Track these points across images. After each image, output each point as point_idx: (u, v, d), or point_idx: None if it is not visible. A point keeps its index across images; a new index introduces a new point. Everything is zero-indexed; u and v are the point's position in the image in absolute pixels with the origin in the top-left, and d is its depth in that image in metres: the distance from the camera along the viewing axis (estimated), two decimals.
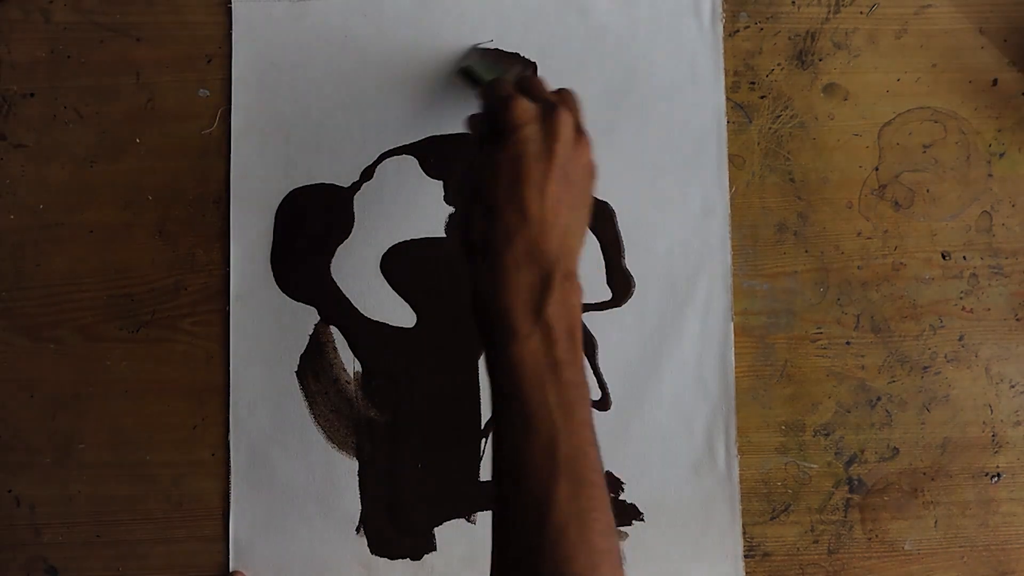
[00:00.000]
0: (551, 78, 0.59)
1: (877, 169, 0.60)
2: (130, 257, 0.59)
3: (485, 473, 0.58)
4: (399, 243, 0.59)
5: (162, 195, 0.59)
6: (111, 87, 0.59)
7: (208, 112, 0.59)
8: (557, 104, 0.44)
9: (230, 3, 0.59)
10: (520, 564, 0.39)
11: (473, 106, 0.51)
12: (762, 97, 0.60)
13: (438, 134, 0.59)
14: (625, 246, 0.59)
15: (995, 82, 0.61)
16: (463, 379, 0.58)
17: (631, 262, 0.59)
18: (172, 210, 0.59)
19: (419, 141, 0.59)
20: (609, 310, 0.58)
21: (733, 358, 0.58)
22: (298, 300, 0.58)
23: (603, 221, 0.59)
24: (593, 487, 0.40)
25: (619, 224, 0.59)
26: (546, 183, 0.42)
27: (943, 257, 0.60)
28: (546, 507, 0.38)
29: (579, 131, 0.45)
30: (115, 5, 0.59)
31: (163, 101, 0.59)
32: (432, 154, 0.59)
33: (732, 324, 0.59)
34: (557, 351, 0.41)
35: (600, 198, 0.59)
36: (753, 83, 0.60)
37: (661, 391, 0.58)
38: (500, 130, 0.43)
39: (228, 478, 0.58)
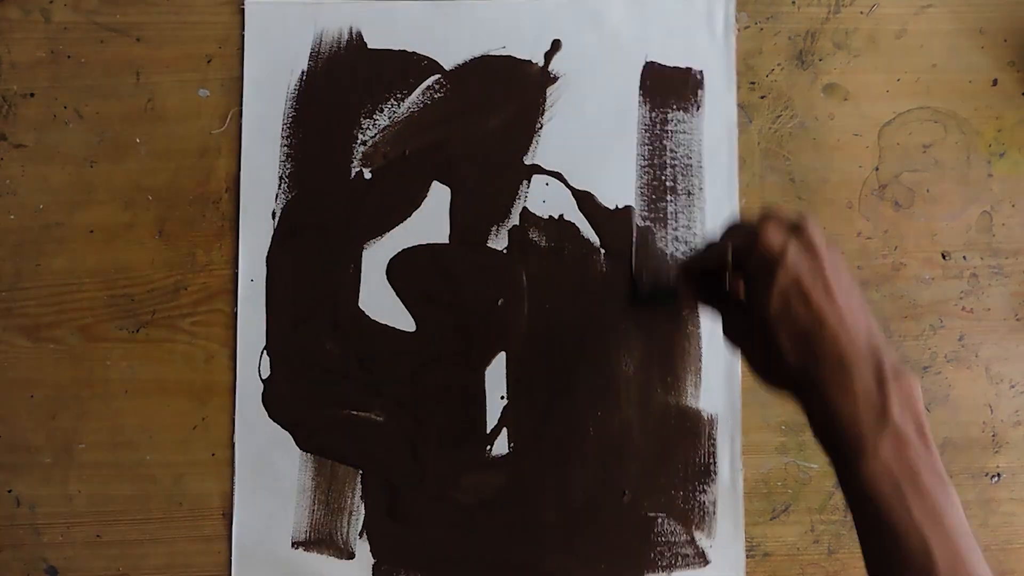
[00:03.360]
0: (562, 84, 0.59)
1: (877, 169, 0.60)
2: (130, 257, 0.59)
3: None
4: (405, 249, 0.59)
5: (162, 195, 0.59)
6: (111, 87, 0.59)
7: (209, 112, 0.59)
8: (799, 219, 0.44)
9: (242, 4, 0.59)
10: None
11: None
12: (762, 97, 0.60)
13: (448, 137, 0.59)
14: (638, 253, 0.59)
15: (995, 82, 0.61)
16: (467, 385, 0.58)
17: (643, 270, 0.59)
18: (172, 210, 0.59)
19: (430, 144, 0.59)
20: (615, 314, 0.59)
21: (740, 371, 0.58)
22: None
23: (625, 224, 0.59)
24: None
25: (633, 230, 0.59)
26: (829, 291, 0.42)
27: (943, 257, 0.60)
28: None
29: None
30: (115, 5, 0.59)
31: (163, 101, 0.59)
32: (442, 158, 0.59)
33: None
34: (911, 454, 0.39)
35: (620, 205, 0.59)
36: (753, 83, 0.60)
37: (666, 400, 0.58)
38: (760, 265, 0.43)
39: (231, 478, 0.58)
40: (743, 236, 0.44)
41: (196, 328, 0.58)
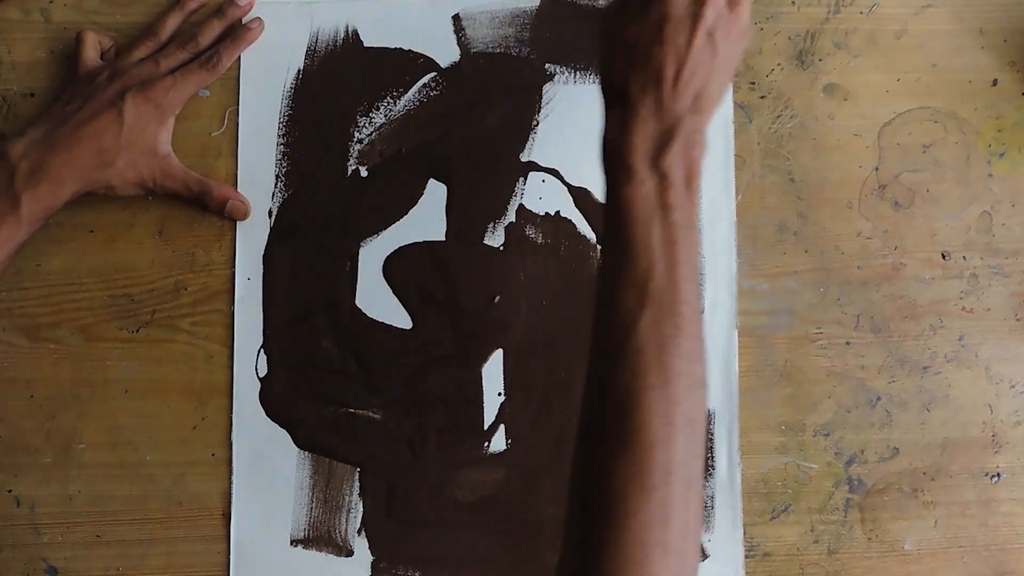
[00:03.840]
0: (556, 82, 0.59)
1: (877, 169, 0.60)
2: (130, 257, 0.59)
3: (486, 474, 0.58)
4: (402, 246, 0.59)
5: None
6: None
7: (208, 112, 0.59)
8: None
9: None
10: (600, 384, 0.42)
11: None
12: (762, 97, 0.60)
13: (445, 135, 0.59)
14: None
15: (995, 82, 0.61)
16: (464, 382, 0.58)
17: None
18: (172, 210, 0.59)
19: (427, 142, 0.59)
20: None
21: (737, 366, 0.58)
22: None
23: None
24: (680, 316, 0.42)
25: None
26: (687, 48, 0.44)
27: (943, 257, 0.60)
28: (630, 331, 0.41)
29: None
30: (115, 5, 0.59)
31: None
32: (438, 155, 0.59)
33: (736, 331, 0.59)
34: (669, 196, 0.43)
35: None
36: (753, 83, 0.60)
37: None
38: None
39: (230, 478, 0.58)
40: None
41: (196, 328, 0.58)
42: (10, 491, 0.58)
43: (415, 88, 0.59)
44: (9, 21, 0.59)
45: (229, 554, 0.57)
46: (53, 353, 0.58)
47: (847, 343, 0.59)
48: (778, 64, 0.60)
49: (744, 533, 0.58)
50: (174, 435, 0.58)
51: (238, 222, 0.58)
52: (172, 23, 0.58)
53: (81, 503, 0.58)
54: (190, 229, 0.59)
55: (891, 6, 0.61)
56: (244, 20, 0.59)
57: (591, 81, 0.59)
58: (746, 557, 0.58)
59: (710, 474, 0.58)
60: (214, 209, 0.57)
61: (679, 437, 0.40)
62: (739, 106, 0.60)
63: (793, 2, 0.61)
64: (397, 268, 0.59)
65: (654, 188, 0.43)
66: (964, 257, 0.60)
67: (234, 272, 0.58)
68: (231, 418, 0.58)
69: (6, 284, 0.58)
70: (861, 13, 0.61)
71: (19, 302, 0.58)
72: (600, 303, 0.44)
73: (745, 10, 0.47)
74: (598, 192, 0.59)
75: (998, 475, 0.59)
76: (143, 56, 0.57)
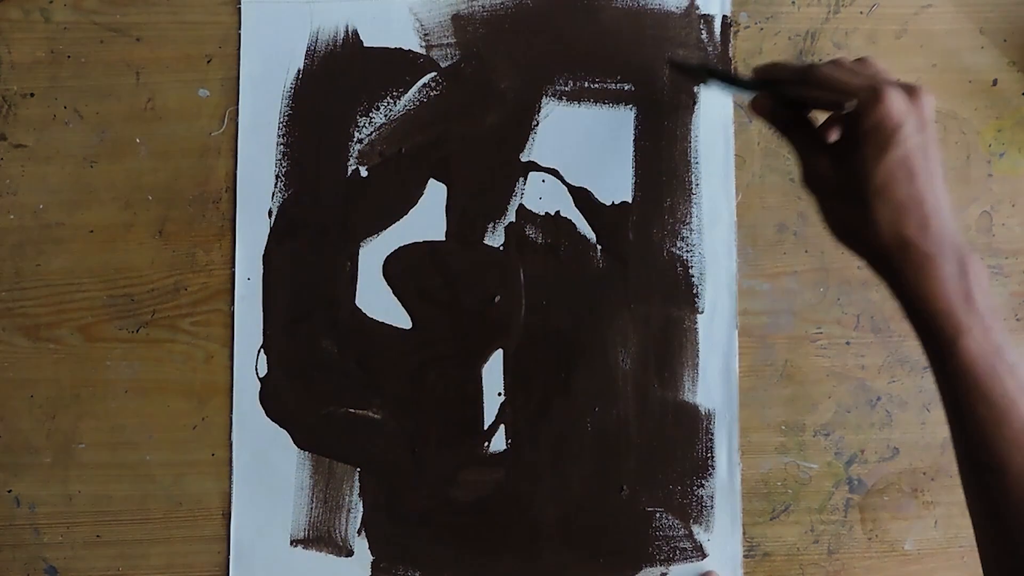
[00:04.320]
0: (556, 83, 0.59)
1: None
2: (130, 257, 0.59)
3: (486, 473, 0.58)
4: (402, 246, 0.59)
5: (162, 195, 0.59)
6: (111, 87, 0.59)
7: (208, 112, 0.59)
8: (915, 84, 0.45)
9: (239, 3, 0.59)
10: (1013, 565, 0.40)
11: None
12: None
13: (445, 135, 0.59)
14: (632, 250, 0.59)
15: (995, 82, 0.61)
16: (464, 382, 0.58)
17: (640, 266, 0.59)
18: (172, 210, 0.59)
19: (427, 142, 0.59)
20: (617, 313, 0.59)
21: (737, 366, 0.58)
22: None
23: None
24: None
25: (629, 226, 0.59)
26: (934, 176, 0.43)
27: None
28: None
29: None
30: (115, 5, 0.59)
31: (163, 101, 0.59)
32: (438, 155, 0.59)
33: (737, 332, 0.59)
34: (994, 336, 0.41)
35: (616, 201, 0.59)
36: None
37: (664, 396, 0.58)
38: (874, 131, 0.43)
39: (230, 478, 0.58)
40: (862, 90, 0.44)
41: (196, 328, 0.58)
42: (10, 491, 0.58)
43: (415, 88, 0.59)
44: (9, 21, 0.59)
45: (229, 554, 0.57)
46: (53, 353, 0.58)
47: (847, 343, 0.59)
48: None
49: (744, 533, 0.58)
50: (174, 435, 0.58)
51: (238, 220, 0.58)
52: None
53: (81, 503, 0.58)
54: (190, 229, 0.59)
55: (891, 6, 0.61)
56: None
57: (590, 82, 0.59)
58: (746, 557, 0.58)
59: (710, 474, 0.58)
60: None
61: None
62: (739, 106, 0.60)
63: (793, 2, 0.61)
64: (397, 268, 0.59)
65: (981, 334, 0.41)
66: None
67: (234, 272, 0.58)
68: (231, 418, 0.58)
69: (6, 284, 0.58)
70: (861, 13, 0.61)
71: (19, 302, 0.58)
72: (979, 473, 0.42)
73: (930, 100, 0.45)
74: (598, 192, 0.59)
75: None
76: None
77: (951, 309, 0.41)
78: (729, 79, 0.55)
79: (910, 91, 0.44)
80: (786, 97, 0.47)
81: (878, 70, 0.46)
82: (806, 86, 0.46)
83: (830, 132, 0.47)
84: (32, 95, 0.59)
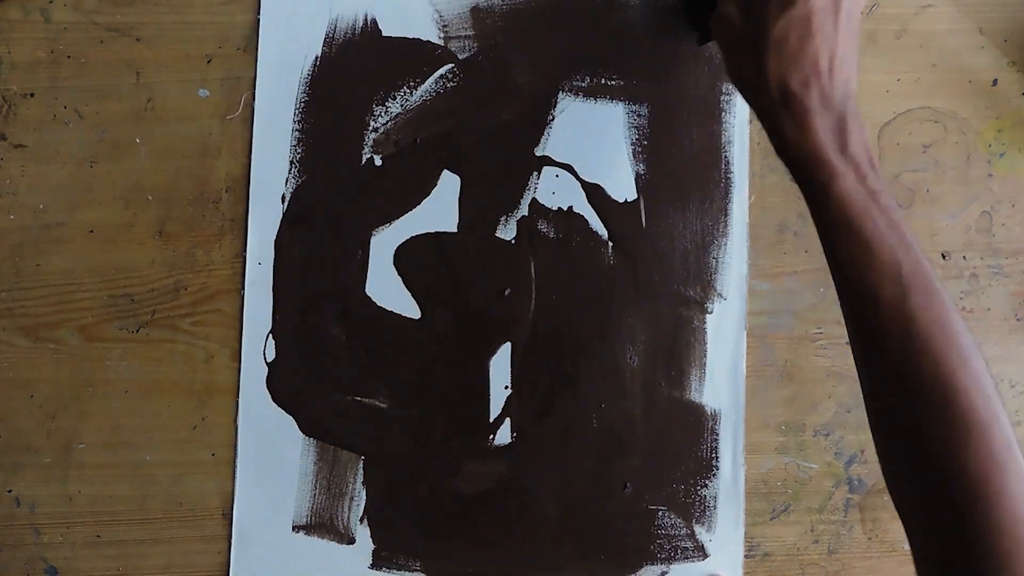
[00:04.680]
0: (573, 78, 0.59)
1: None
2: (130, 257, 0.59)
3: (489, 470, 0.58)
4: (414, 236, 0.59)
5: (162, 195, 0.59)
6: (111, 87, 0.59)
7: (208, 113, 0.59)
8: None
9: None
10: (894, 390, 0.42)
11: None
12: None
13: (460, 126, 0.59)
14: (644, 248, 0.59)
15: (995, 82, 0.61)
16: (472, 374, 0.58)
17: (651, 264, 0.59)
18: (172, 210, 0.59)
19: (442, 133, 0.59)
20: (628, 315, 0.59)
21: (744, 367, 0.58)
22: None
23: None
24: (938, 294, 0.42)
25: (642, 224, 0.59)
26: (835, 36, 0.45)
27: (943, 257, 0.60)
28: (907, 323, 0.41)
29: None
30: (115, 5, 0.59)
31: (163, 101, 0.59)
32: (452, 147, 0.59)
33: (745, 333, 0.59)
34: (870, 182, 0.44)
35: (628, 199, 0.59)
36: None
37: (670, 394, 0.58)
38: None
39: (231, 477, 0.58)
40: None
41: (196, 328, 0.58)
42: (10, 491, 0.58)
43: (432, 79, 0.59)
44: (9, 21, 0.59)
45: (229, 554, 0.57)
46: (53, 353, 0.58)
47: (847, 343, 0.59)
48: None
49: (744, 533, 0.58)
50: (174, 435, 0.58)
51: (251, 205, 0.58)
52: None
53: (81, 503, 0.58)
54: (190, 229, 0.59)
55: (891, 6, 0.61)
56: None
57: (607, 78, 0.59)
58: (746, 557, 0.58)
59: (714, 474, 0.58)
60: None
61: (999, 404, 0.40)
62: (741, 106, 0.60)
63: None
64: (408, 258, 0.59)
65: (854, 179, 0.44)
66: (964, 257, 0.60)
67: (245, 257, 0.58)
68: (232, 417, 0.58)
69: (6, 284, 0.58)
70: (861, 13, 0.61)
71: (19, 302, 0.58)
72: (855, 305, 0.44)
73: None
74: (611, 189, 0.59)
75: None
76: None
77: (825, 156, 0.44)
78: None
79: None
80: None
81: None
82: None
83: None
84: (32, 95, 0.59)
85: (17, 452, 0.58)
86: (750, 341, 0.59)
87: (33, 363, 0.58)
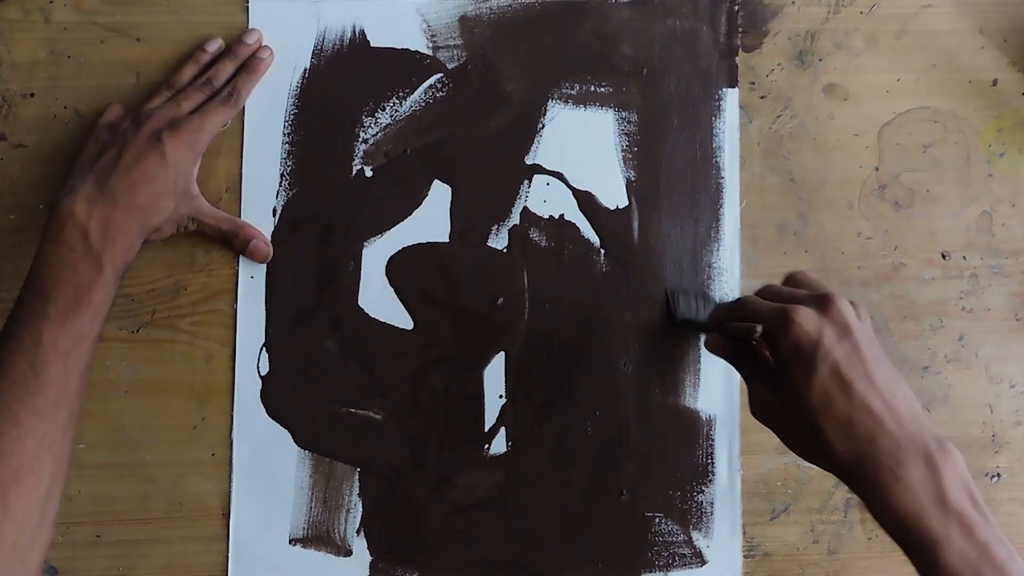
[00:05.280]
0: (562, 86, 0.59)
1: (877, 169, 0.60)
2: None
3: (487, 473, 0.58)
4: (406, 247, 0.59)
5: None
6: (111, 87, 0.59)
7: None
8: (825, 293, 0.44)
9: (247, 1, 0.59)
10: None
11: None
12: (762, 97, 0.60)
13: (450, 136, 0.59)
14: (635, 255, 0.59)
15: (995, 82, 0.61)
16: (466, 384, 0.58)
17: (643, 270, 0.59)
18: None
19: (432, 143, 0.59)
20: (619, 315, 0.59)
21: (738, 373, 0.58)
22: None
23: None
24: None
25: (633, 231, 0.59)
26: (869, 376, 0.42)
27: (943, 257, 0.60)
28: None
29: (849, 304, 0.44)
30: (115, 5, 0.59)
31: None
32: (443, 156, 0.59)
33: None
34: (977, 532, 0.39)
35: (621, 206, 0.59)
36: (753, 83, 0.60)
37: (665, 401, 0.58)
38: (795, 354, 0.42)
39: (230, 478, 0.58)
40: (773, 317, 0.44)
41: (196, 328, 0.58)
42: None
43: (421, 89, 0.59)
44: (9, 21, 0.59)
45: (229, 553, 0.57)
46: None
47: None
48: (778, 64, 0.60)
49: (744, 533, 0.58)
50: (174, 435, 0.58)
51: (242, 219, 0.58)
52: (188, 73, 0.57)
53: (81, 503, 0.58)
54: None
55: (891, 6, 0.61)
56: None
57: (596, 86, 0.59)
58: (746, 557, 0.58)
59: (710, 480, 0.58)
60: (238, 248, 0.57)
61: None
62: (739, 106, 0.60)
63: (793, 2, 0.61)
64: (400, 269, 0.59)
65: (961, 539, 0.39)
66: (964, 257, 0.60)
67: (237, 270, 0.58)
68: (232, 417, 0.58)
69: (6, 284, 0.58)
70: (861, 13, 0.61)
71: None
72: None
73: (865, 312, 0.45)
74: (602, 196, 0.59)
75: (998, 475, 0.59)
76: (162, 103, 0.55)
77: (924, 521, 0.40)
78: (690, 325, 0.57)
79: (820, 302, 0.43)
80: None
81: (802, 284, 0.47)
82: (730, 322, 0.47)
83: (765, 357, 0.47)
84: (32, 95, 0.59)
85: None
86: None
87: None
